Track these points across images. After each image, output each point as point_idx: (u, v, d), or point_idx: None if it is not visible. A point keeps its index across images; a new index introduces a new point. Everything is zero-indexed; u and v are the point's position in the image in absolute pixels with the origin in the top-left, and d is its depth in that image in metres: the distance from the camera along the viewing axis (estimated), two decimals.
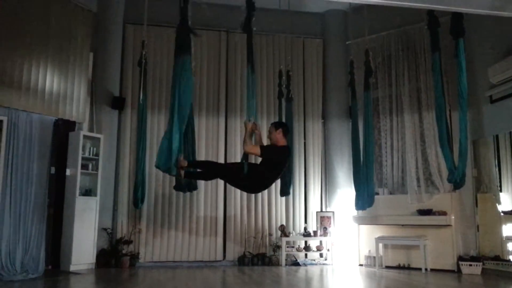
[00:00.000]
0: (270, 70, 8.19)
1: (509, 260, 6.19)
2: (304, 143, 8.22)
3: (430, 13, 5.32)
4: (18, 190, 5.98)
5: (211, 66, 7.99)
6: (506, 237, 6.40)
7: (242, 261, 7.44)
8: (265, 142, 5.15)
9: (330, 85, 8.38)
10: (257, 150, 4.67)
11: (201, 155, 7.57)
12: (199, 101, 7.77)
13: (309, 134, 8.24)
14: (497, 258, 6.29)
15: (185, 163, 4.85)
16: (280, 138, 4.84)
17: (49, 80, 6.44)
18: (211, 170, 5.17)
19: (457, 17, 5.06)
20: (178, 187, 5.75)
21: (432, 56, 5.42)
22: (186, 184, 5.62)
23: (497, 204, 6.61)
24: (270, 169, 4.74)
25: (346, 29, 8.28)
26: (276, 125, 4.96)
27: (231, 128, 7.91)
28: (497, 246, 6.43)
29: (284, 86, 7.15)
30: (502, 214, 6.51)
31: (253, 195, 7.75)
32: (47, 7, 6.50)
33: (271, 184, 5.04)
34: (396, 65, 7.62)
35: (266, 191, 7.80)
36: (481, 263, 6.31)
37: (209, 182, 7.63)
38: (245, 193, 7.72)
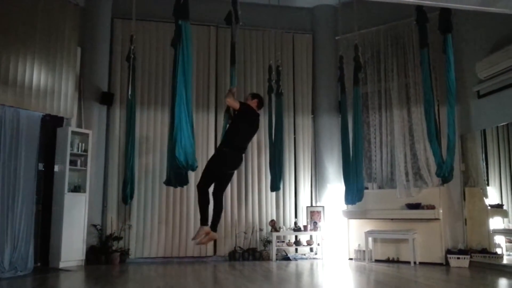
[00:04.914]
0: (260, 65, 8.18)
1: (496, 253, 6.28)
2: (294, 138, 8.23)
3: (419, 8, 5.36)
4: (6, 187, 5.90)
5: (201, 61, 7.94)
6: (493, 230, 6.50)
7: (232, 256, 7.45)
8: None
9: (319, 80, 8.39)
10: (237, 104, 5.09)
11: None
12: None
13: (299, 129, 8.25)
14: (484, 251, 6.38)
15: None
16: (253, 105, 5.33)
17: (36, 75, 6.36)
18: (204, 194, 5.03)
19: (445, 13, 5.11)
20: (168, 182, 5.72)
21: (421, 52, 5.47)
22: (177, 179, 5.60)
23: (484, 198, 6.70)
24: (239, 128, 5.10)
25: (336, 24, 8.27)
26: (253, 95, 5.47)
27: (221, 124, 7.85)
28: (485, 239, 6.52)
29: (274, 81, 7.16)
30: (489, 207, 6.60)
31: (243, 190, 7.77)
32: (34, 2, 6.40)
33: (243, 146, 5.21)
34: (385, 61, 7.66)
35: (256, 186, 7.85)
36: (468, 256, 6.39)
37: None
38: (235, 189, 7.73)
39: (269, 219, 7.76)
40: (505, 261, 6.15)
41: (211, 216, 5.06)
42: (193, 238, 5.13)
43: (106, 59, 7.56)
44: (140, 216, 7.34)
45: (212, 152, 7.70)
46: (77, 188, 6.77)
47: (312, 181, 8.22)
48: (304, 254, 7.79)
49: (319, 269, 6.70)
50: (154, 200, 7.44)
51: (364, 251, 7.08)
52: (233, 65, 5.50)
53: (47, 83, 6.51)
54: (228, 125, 5.29)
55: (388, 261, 7.03)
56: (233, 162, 5.11)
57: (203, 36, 7.99)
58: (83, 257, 6.68)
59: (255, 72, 8.17)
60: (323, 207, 7.85)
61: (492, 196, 6.67)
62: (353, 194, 6.39)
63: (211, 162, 5.14)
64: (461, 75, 6.67)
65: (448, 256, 6.53)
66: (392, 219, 7.09)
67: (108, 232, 7.11)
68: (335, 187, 7.82)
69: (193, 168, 4.31)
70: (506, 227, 6.40)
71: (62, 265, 6.34)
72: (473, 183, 6.84)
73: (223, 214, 7.52)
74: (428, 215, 6.74)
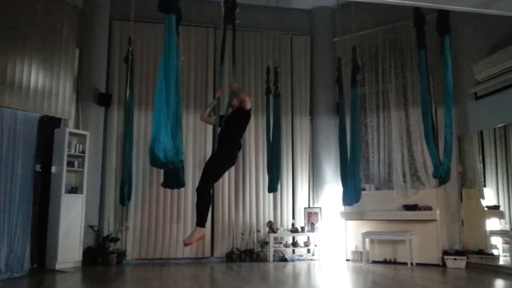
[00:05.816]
0: (258, 67, 8.18)
1: (492, 254, 6.30)
2: (292, 139, 8.23)
3: (417, 10, 5.38)
4: (2, 187, 5.87)
5: (199, 63, 7.95)
6: (490, 231, 6.52)
7: (230, 257, 7.44)
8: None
9: (317, 81, 8.40)
10: (249, 104, 5.03)
11: (189, 152, 7.54)
12: (187, 98, 7.72)
13: (296, 131, 8.26)
14: (481, 252, 6.40)
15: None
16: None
17: (34, 76, 6.34)
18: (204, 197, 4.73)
19: (443, 15, 5.12)
20: (166, 184, 5.71)
21: (418, 53, 5.48)
22: (174, 181, 5.59)
23: (481, 199, 6.72)
24: (242, 129, 5.11)
25: (334, 26, 8.33)
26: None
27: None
28: (481, 240, 6.54)
29: (272, 82, 7.18)
30: (486, 209, 6.62)
31: (240, 191, 7.76)
32: (33, 3, 6.39)
33: (238, 142, 5.12)
34: (382, 62, 7.68)
35: (253, 188, 7.85)
36: (465, 257, 6.41)
37: (197, 179, 7.60)
38: (233, 190, 7.73)
39: (267, 220, 7.75)
40: (501, 262, 6.17)
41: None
42: (187, 242, 4.65)
43: (104, 60, 7.56)
44: (137, 218, 7.34)
45: (209, 150, 7.72)
46: (74, 189, 6.75)
47: (310, 182, 8.22)
48: (302, 255, 7.79)
49: (316, 270, 6.71)
50: (152, 202, 7.43)
51: (361, 252, 7.09)
52: (232, 62, 5.36)
53: (45, 84, 6.49)
54: (228, 125, 5.00)
55: (385, 262, 7.04)
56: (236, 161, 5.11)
57: (201, 37, 8.00)
58: (80, 259, 6.66)
59: (253, 74, 8.17)
60: (320, 208, 7.85)
61: (489, 197, 6.68)
62: (351, 195, 6.40)
63: (220, 163, 4.84)
64: (458, 77, 6.69)
65: (445, 257, 6.54)
66: (389, 220, 7.10)
67: (105, 233, 7.09)
68: (332, 188, 7.83)
69: (175, 165, 4.01)
70: (503, 228, 6.41)
71: (58, 266, 6.32)
72: (470, 185, 6.85)
73: (220, 215, 7.62)
74: (425, 216, 6.76)
